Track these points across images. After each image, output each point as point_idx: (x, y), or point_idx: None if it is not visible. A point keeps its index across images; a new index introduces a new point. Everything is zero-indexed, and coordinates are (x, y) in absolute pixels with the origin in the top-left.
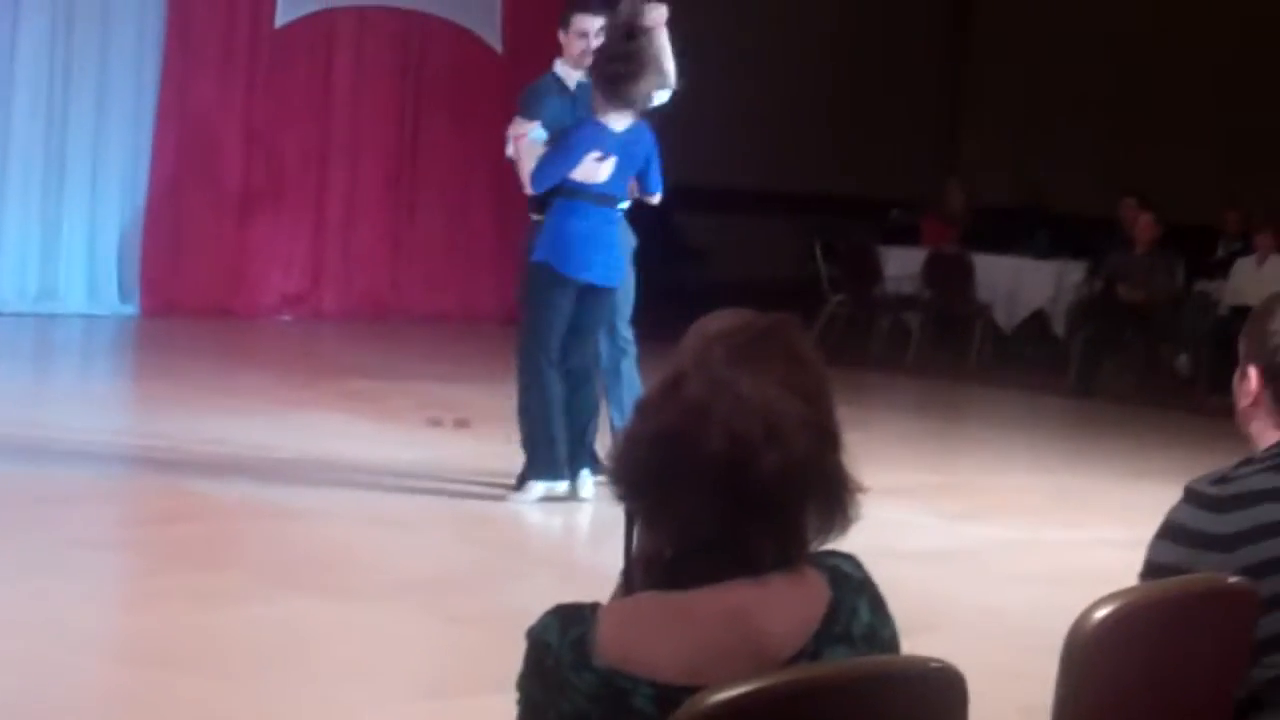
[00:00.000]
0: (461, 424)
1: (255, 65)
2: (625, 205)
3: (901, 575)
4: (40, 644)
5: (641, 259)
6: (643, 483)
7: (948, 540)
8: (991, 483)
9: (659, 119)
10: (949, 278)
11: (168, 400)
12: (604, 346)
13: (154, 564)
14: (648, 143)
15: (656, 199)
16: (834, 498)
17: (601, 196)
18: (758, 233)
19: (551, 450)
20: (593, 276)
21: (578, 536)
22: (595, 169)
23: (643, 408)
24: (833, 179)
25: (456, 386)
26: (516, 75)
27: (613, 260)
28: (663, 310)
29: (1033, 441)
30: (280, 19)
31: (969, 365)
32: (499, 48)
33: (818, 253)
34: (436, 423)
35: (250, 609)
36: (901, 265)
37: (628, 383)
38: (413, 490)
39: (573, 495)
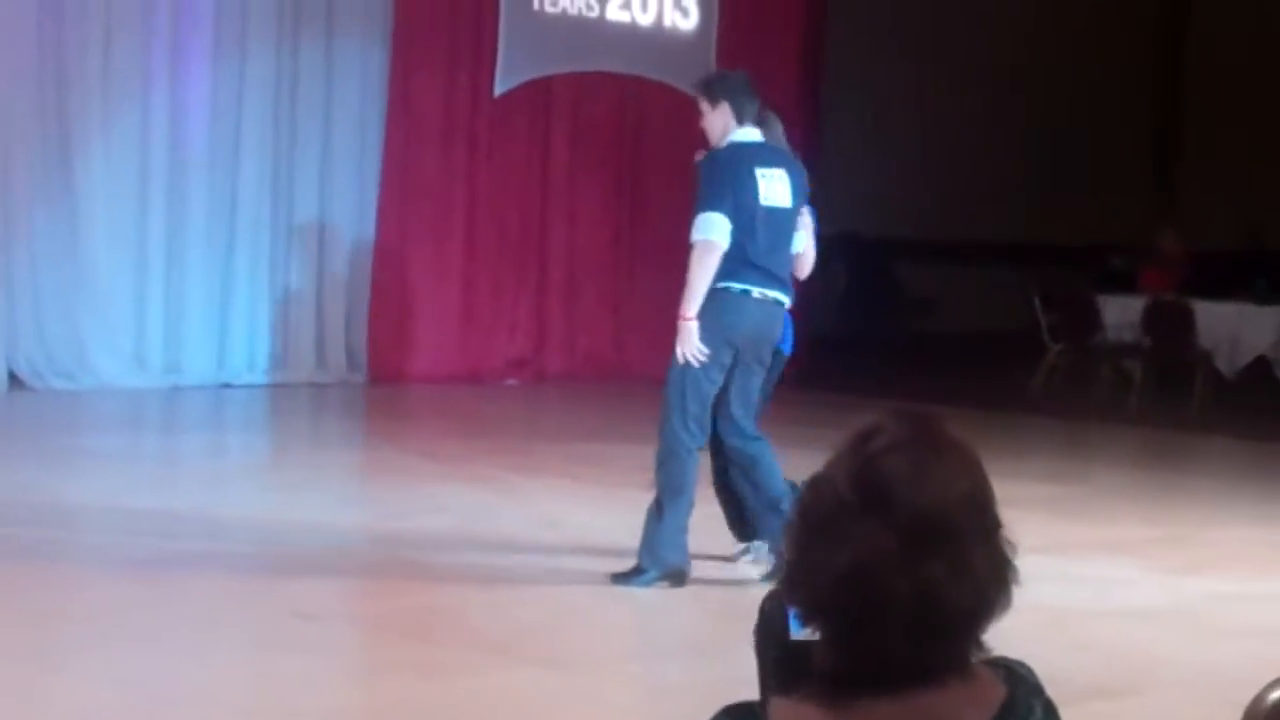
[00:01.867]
0: None
1: (475, 134)
2: None
3: (1115, 633)
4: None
5: (862, 311)
6: (824, 617)
7: (1165, 596)
8: (1214, 535)
9: (880, 172)
10: (1169, 325)
11: (393, 468)
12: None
13: (376, 637)
14: None
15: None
16: (1006, 595)
17: None
18: (979, 283)
19: None
20: None
21: None
22: None
23: (814, 534)
24: (1051, 227)
25: None
26: None
27: None
28: (888, 362)
29: (1258, 492)
30: (499, 88)
31: (1191, 414)
32: None
33: (1037, 303)
34: None
35: (470, 681)
36: (1121, 313)
37: None
38: (629, 554)
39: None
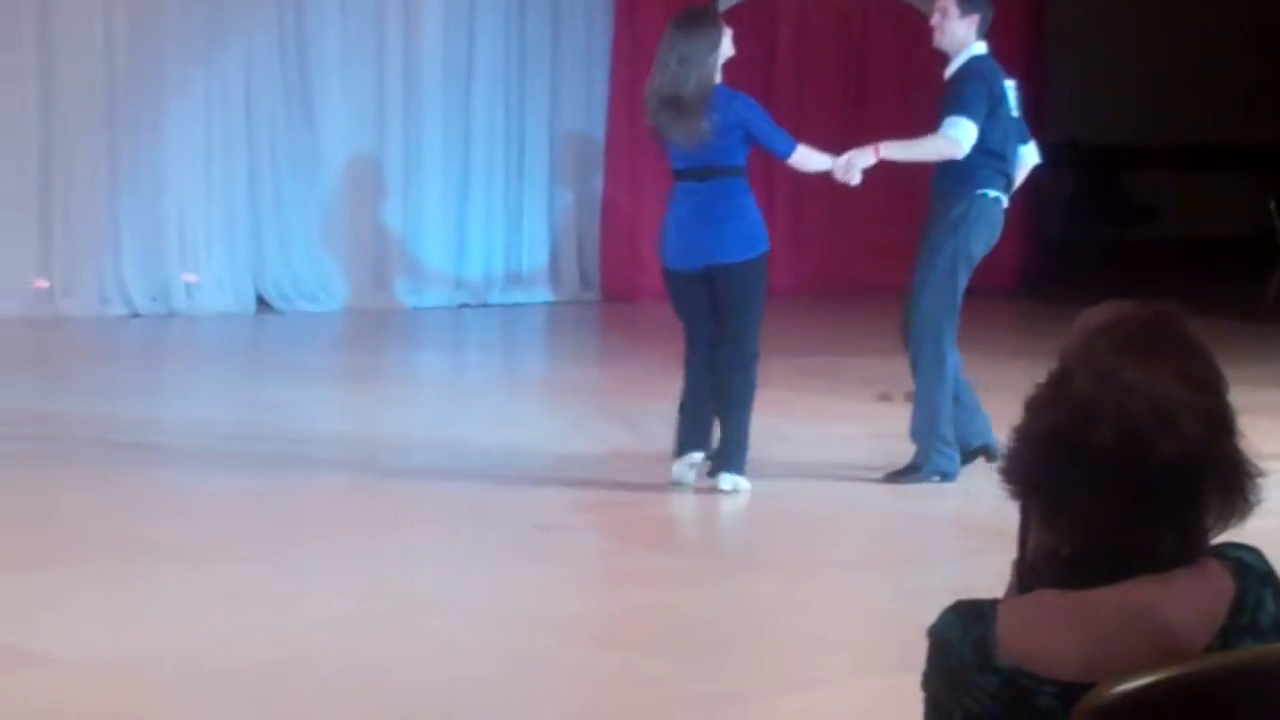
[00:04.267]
0: (911, 398)
1: None
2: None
3: None
4: (506, 628)
5: (1086, 218)
6: (1036, 481)
7: None
8: None
9: (1106, 78)
10: None
11: (628, 383)
12: None
13: (617, 546)
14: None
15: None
16: (1232, 484)
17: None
18: (1209, 188)
19: None
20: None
21: None
22: None
23: (1031, 405)
24: None
25: (905, 359)
26: None
27: None
28: (1113, 269)
29: None
30: (725, 3)
31: None
32: None
33: (1272, 206)
34: (887, 397)
35: (710, 587)
36: None
37: None
38: (861, 465)
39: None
